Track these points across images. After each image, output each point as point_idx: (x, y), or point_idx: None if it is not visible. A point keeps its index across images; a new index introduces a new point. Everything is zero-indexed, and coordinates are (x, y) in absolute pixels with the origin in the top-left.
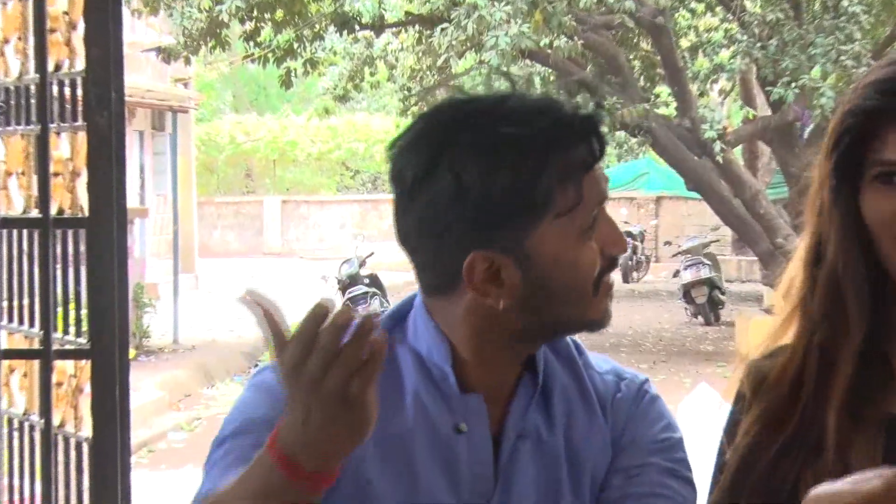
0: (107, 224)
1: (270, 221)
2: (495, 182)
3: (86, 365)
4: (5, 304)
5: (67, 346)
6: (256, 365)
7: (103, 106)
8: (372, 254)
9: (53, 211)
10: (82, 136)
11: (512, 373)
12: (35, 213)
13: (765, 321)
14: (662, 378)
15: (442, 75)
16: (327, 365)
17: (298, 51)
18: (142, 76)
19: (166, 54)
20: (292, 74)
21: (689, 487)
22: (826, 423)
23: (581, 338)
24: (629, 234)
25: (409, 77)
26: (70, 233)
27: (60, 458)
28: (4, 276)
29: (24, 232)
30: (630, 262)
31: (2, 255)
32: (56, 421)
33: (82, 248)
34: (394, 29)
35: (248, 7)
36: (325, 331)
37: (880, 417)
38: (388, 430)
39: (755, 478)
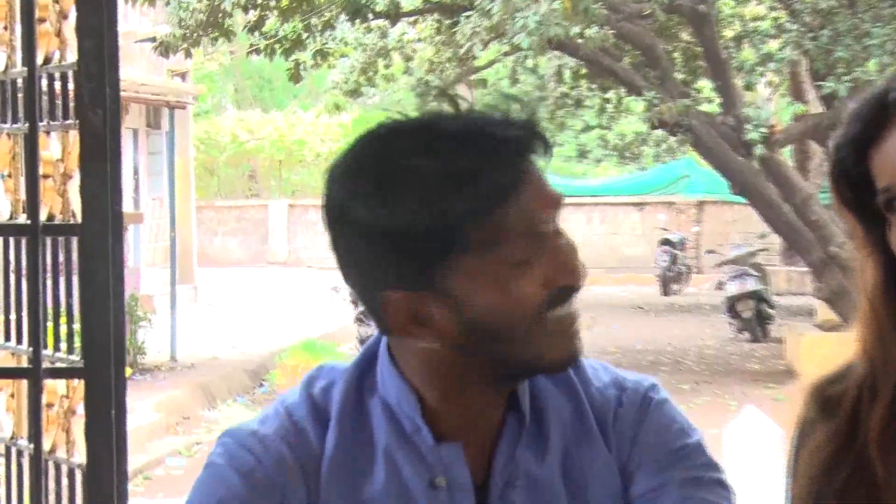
0: (101, 231)
1: (276, 227)
2: (396, 219)
3: (79, 385)
4: None
5: (59, 365)
6: (262, 384)
7: (97, 102)
8: None
9: (43, 217)
10: (74, 136)
11: (492, 415)
12: (23, 218)
13: (818, 338)
14: (706, 400)
15: (463, 68)
16: None
17: (307, 41)
18: (135, 69)
19: (164, 47)
20: (301, 67)
21: (719, 489)
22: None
23: (614, 355)
24: (668, 242)
25: (426, 70)
26: (61, 240)
27: (52, 486)
28: None
29: (11, 240)
30: (669, 274)
31: None
32: (47, 446)
33: (74, 256)
34: (410, 18)
35: None
36: None
37: None
38: (357, 497)
39: None
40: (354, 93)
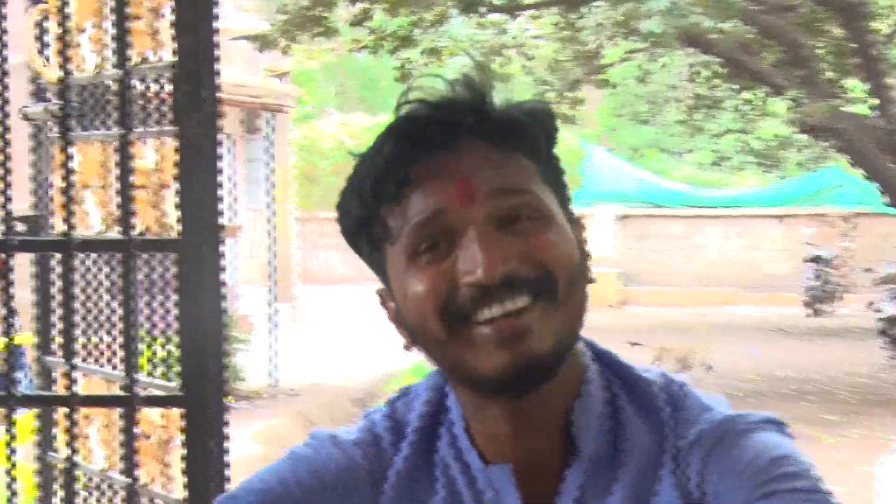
0: (199, 246)
1: None
2: (341, 213)
3: (176, 413)
4: (80, 340)
5: (154, 392)
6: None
7: (194, 106)
8: None
9: (136, 231)
10: (170, 142)
11: (534, 436)
12: (115, 233)
13: None
14: (857, 434)
15: (587, 67)
16: None
17: (417, 38)
18: (231, 69)
19: (261, 41)
20: (410, 66)
21: (813, 495)
22: None
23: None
24: (814, 258)
25: (548, 69)
26: (156, 256)
27: None
28: (80, 309)
29: (103, 256)
30: (816, 293)
31: (76, 284)
32: (142, 479)
33: (171, 273)
34: (529, 12)
35: None
36: None
37: None
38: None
39: None
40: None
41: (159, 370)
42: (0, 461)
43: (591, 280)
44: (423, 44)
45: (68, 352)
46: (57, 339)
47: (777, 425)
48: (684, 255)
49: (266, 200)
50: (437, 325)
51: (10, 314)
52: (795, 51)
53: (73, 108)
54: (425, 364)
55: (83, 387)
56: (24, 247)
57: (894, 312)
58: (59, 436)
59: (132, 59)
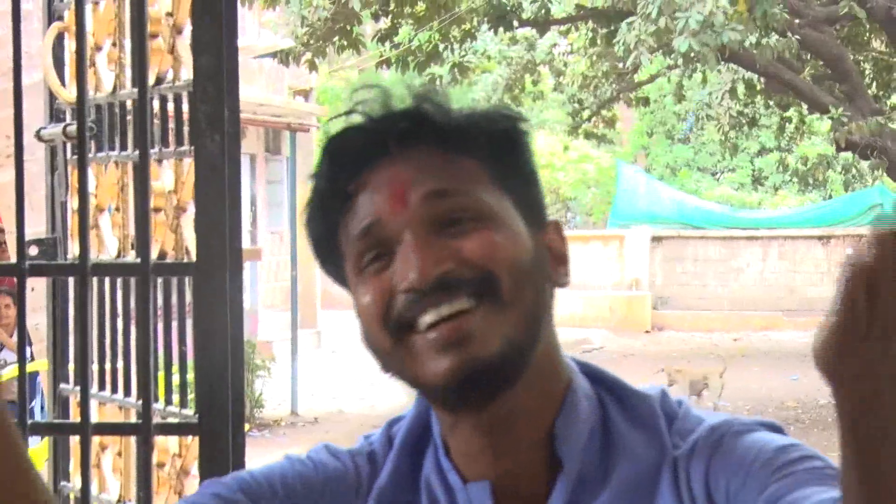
0: (218, 270)
1: None
2: (308, 239)
3: (193, 442)
4: (95, 367)
5: (171, 420)
6: None
7: (214, 127)
8: None
9: (154, 254)
10: (189, 164)
11: (515, 452)
12: (132, 257)
13: None
14: None
15: (621, 83)
16: None
17: (444, 53)
18: (254, 88)
19: (284, 55)
20: (437, 83)
21: (824, 462)
22: None
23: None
24: None
25: (580, 86)
26: (174, 281)
27: None
28: (95, 334)
29: (119, 280)
30: None
31: (92, 308)
32: None
33: (188, 299)
34: (562, 26)
35: None
36: None
37: None
38: None
39: None
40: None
41: (175, 398)
42: None
43: (560, 284)
44: (451, 60)
45: (83, 378)
46: (71, 366)
47: (773, 428)
48: (721, 278)
49: (288, 223)
50: (381, 335)
51: (25, 341)
52: (838, 66)
53: (89, 129)
54: None
55: (98, 415)
56: (38, 271)
57: None
58: (73, 465)
59: (151, 79)
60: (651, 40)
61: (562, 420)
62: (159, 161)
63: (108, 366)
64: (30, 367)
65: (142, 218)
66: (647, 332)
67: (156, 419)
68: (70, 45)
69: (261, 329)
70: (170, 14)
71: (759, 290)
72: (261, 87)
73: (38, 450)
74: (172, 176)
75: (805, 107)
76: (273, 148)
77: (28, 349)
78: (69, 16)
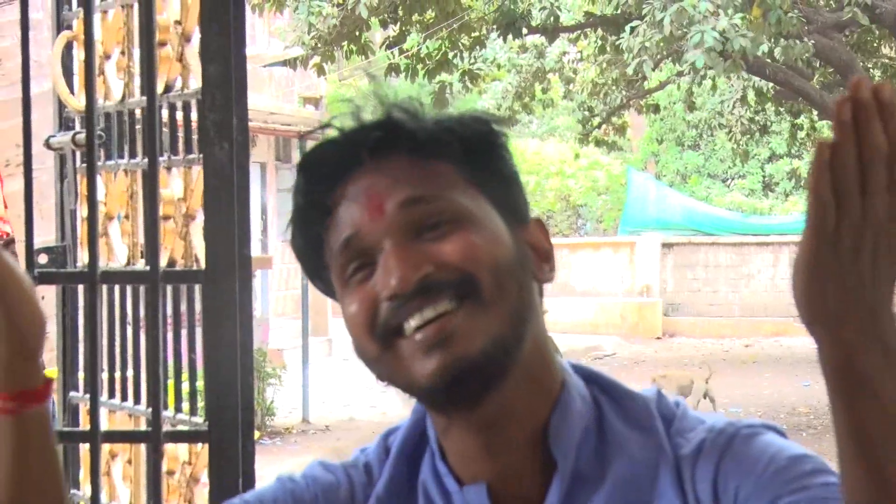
0: (227, 278)
1: None
2: (294, 254)
3: (202, 449)
4: (105, 375)
5: (180, 427)
6: None
7: (223, 135)
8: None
9: (163, 262)
10: (197, 172)
11: (507, 453)
12: (141, 264)
13: None
14: None
15: (630, 91)
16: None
17: (454, 61)
18: (264, 96)
19: (293, 60)
20: (447, 90)
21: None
22: None
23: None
24: None
25: (589, 93)
26: (183, 289)
27: None
28: (105, 342)
29: (129, 288)
30: None
31: (101, 317)
32: None
33: (197, 307)
34: (571, 34)
35: (390, 5)
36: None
37: None
38: None
39: None
40: (508, 120)
41: (185, 405)
42: None
43: (545, 280)
44: (460, 67)
45: (93, 386)
46: (81, 374)
47: (775, 430)
48: (731, 285)
49: None
50: (370, 343)
51: None
52: (848, 72)
53: (98, 137)
54: None
55: (108, 423)
56: (48, 279)
57: None
58: (83, 473)
59: (160, 87)
60: (656, 47)
61: (555, 418)
62: (168, 169)
63: (117, 374)
64: None
65: (151, 226)
66: (658, 338)
67: (165, 427)
68: (79, 53)
69: (272, 337)
70: (178, 22)
71: (770, 296)
72: (271, 96)
73: None
74: (181, 184)
75: (816, 113)
76: (283, 156)
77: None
78: (78, 25)
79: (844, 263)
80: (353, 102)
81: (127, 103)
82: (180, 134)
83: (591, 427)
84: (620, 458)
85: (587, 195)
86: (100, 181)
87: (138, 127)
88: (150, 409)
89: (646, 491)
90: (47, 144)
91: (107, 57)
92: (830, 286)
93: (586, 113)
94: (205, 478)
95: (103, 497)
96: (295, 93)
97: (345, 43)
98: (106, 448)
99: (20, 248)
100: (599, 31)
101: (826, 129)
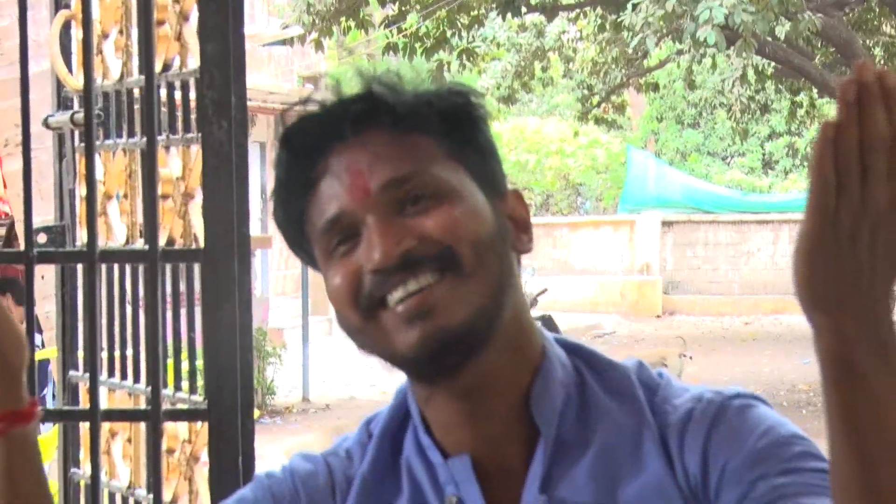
0: (226, 257)
1: None
2: (277, 226)
3: (202, 428)
4: (104, 354)
5: (180, 406)
6: None
7: (221, 114)
8: (545, 290)
9: (162, 241)
10: (196, 151)
11: (491, 424)
12: (140, 244)
13: None
14: None
15: (630, 69)
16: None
17: (452, 40)
18: (263, 75)
19: (291, 40)
20: (445, 69)
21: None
22: None
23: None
24: None
25: (589, 72)
26: (182, 267)
27: None
28: (104, 321)
29: (127, 267)
30: None
31: (100, 296)
32: (167, 496)
33: (197, 285)
34: (571, 12)
35: None
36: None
37: None
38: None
39: None
40: (508, 99)
41: (185, 384)
42: None
43: (524, 251)
44: (459, 46)
45: (92, 365)
46: (81, 353)
47: (763, 401)
48: (731, 262)
49: None
50: (353, 314)
51: (35, 328)
52: (848, 51)
53: (97, 117)
54: None
55: (107, 401)
56: (47, 258)
57: None
58: (84, 452)
59: (158, 66)
60: (659, 23)
61: (537, 388)
62: (167, 148)
63: (117, 353)
64: (40, 355)
65: (150, 205)
66: (658, 316)
67: (165, 405)
68: (77, 33)
69: (272, 316)
70: (176, 1)
71: (770, 273)
72: (270, 75)
73: (49, 437)
74: (180, 163)
75: (815, 91)
76: None
77: (38, 337)
78: (76, 4)
79: (843, 247)
80: (334, 79)
81: (125, 82)
82: (179, 113)
83: (573, 395)
84: (603, 425)
85: (587, 174)
86: (98, 160)
87: (137, 106)
88: (149, 388)
89: (630, 458)
90: (46, 124)
91: (105, 36)
92: (830, 268)
93: (586, 91)
94: (205, 456)
95: (103, 475)
96: (294, 72)
97: (343, 18)
98: (106, 427)
99: (19, 227)
100: (599, 10)
101: (826, 107)
